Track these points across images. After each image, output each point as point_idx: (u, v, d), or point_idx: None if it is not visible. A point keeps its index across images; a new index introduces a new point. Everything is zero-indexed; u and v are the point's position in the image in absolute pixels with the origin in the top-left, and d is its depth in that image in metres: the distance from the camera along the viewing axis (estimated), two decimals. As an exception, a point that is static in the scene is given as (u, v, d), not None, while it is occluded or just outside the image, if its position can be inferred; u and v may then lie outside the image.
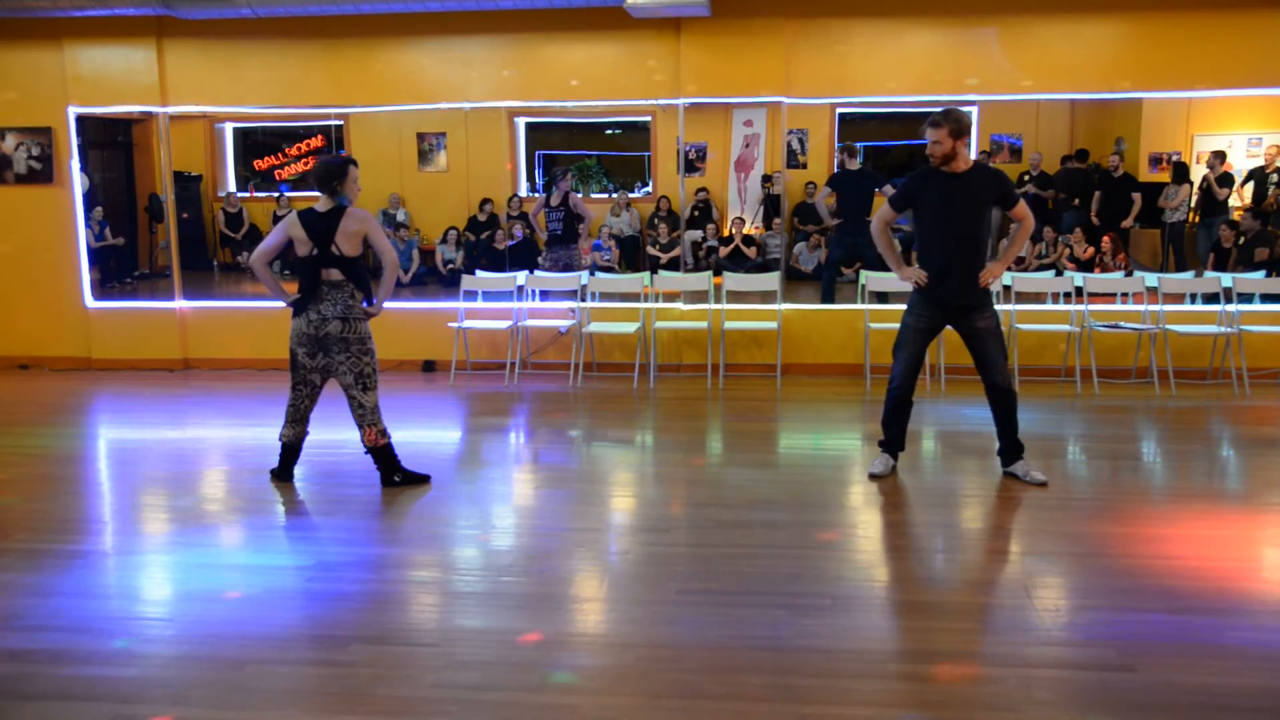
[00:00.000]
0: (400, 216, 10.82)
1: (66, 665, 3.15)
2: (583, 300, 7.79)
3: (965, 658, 3.14)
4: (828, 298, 8.40)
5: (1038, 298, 7.97)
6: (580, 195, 9.63)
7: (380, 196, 10.84)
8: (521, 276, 7.94)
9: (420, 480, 4.99)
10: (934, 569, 3.96)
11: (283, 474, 5.06)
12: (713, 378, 7.62)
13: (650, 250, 10.95)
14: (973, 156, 4.97)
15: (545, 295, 8.18)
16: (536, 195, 12.05)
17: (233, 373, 8.15)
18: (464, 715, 2.84)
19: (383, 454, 4.92)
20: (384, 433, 4.91)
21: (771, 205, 11.03)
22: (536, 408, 6.95)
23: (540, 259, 8.86)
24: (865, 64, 7.62)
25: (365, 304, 4.82)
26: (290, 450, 5.05)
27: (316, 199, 4.79)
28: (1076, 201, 9.76)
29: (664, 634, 3.33)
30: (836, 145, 8.86)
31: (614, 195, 11.97)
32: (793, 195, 10.72)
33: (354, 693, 2.96)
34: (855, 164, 8.59)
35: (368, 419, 4.84)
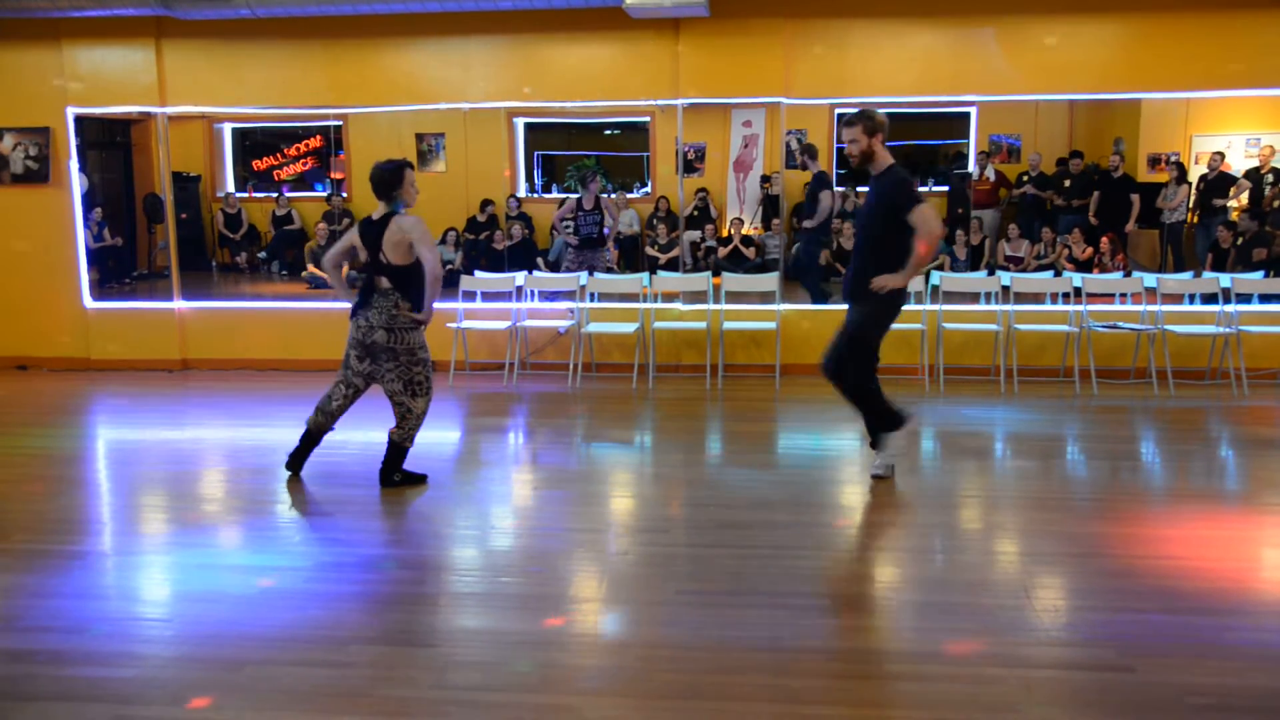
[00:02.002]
0: (399, 217, 10.80)
1: (66, 666, 3.15)
2: (582, 301, 7.80)
3: (965, 658, 3.15)
4: (819, 299, 8.41)
5: (1036, 298, 7.98)
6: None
7: (379, 197, 10.82)
8: (520, 277, 7.94)
9: (418, 480, 4.99)
10: (933, 569, 3.96)
11: (294, 462, 5.07)
12: (712, 378, 7.62)
13: (649, 251, 10.95)
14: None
15: (548, 296, 8.18)
16: (537, 196, 12.05)
17: (231, 373, 8.14)
18: (464, 716, 2.84)
19: (396, 453, 4.92)
20: (411, 440, 4.92)
21: (770, 206, 11.03)
22: (535, 408, 6.95)
23: (567, 261, 8.86)
24: (864, 64, 7.62)
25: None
26: (309, 437, 5.04)
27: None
28: (1071, 201, 9.75)
29: (663, 634, 3.33)
30: (804, 146, 8.96)
31: (613, 196, 11.97)
32: (791, 196, 10.70)
33: (353, 693, 2.96)
34: (817, 166, 8.75)
35: (409, 422, 4.85)
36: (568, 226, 8.53)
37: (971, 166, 10.55)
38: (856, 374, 4.84)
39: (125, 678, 3.07)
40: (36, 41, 8.07)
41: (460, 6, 7.40)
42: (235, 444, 6.07)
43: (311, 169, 12.22)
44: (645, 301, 7.82)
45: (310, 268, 10.33)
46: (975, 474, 5.26)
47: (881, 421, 4.95)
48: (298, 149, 12.22)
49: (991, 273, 8.05)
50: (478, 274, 8.23)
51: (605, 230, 8.51)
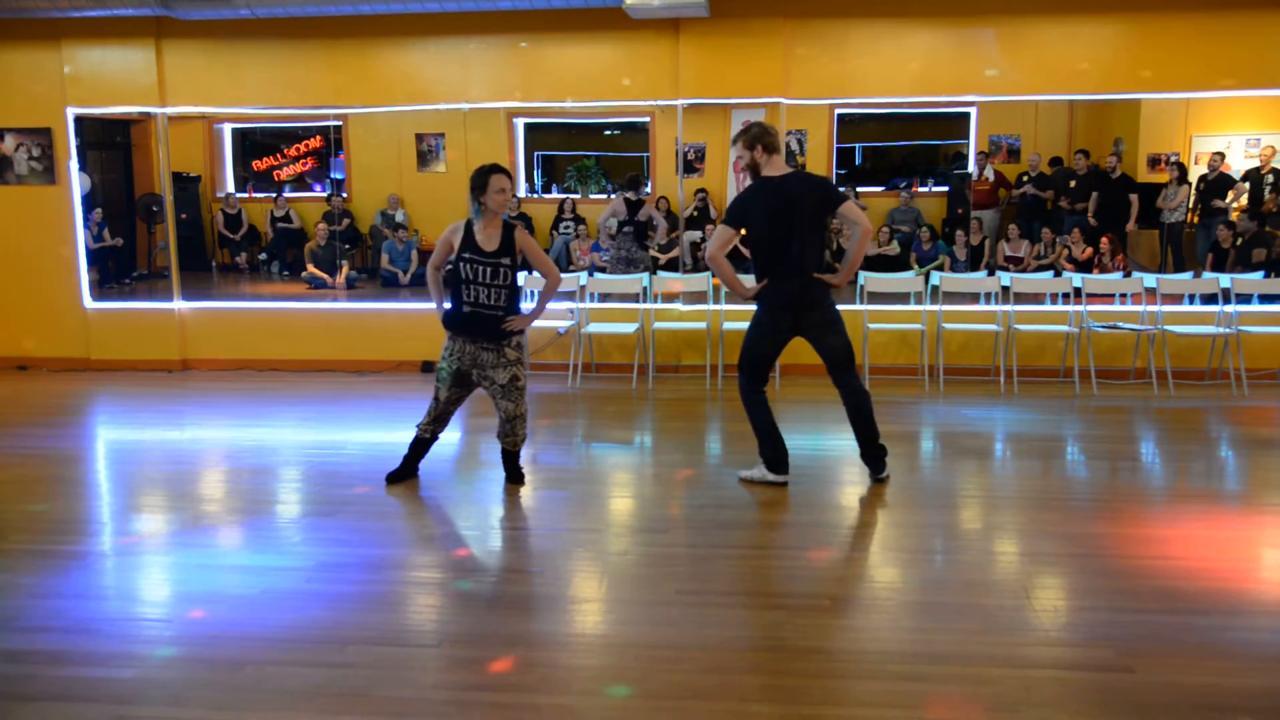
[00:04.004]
0: (399, 217, 10.81)
1: (65, 666, 3.15)
2: (582, 301, 7.79)
3: (964, 658, 3.15)
4: None
5: (1036, 298, 7.98)
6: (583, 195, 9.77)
7: (379, 197, 10.83)
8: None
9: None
10: (933, 569, 3.96)
11: (402, 474, 5.05)
12: (712, 378, 7.62)
13: (649, 251, 10.95)
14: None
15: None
16: (537, 196, 12.05)
17: (231, 373, 8.14)
18: (463, 716, 2.84)
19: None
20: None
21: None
22: (535, 408, 6.94)
23: (607, 259, 8.95)
24: (864, 65, 7.62)
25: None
26: (420, 446, 5.06)
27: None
28: (1065, 202, 9.74)
29: (663, 635, 3.33)
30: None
31: (612, 196, 11.96)
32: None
33: (353, 693, 2.96)
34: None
35: (507, 426, 4.87)
36: (615, 226, 8.60)
37: (971, 167, 10.56)
38: (748, 385, 4.90)
39: (125, 678, 3.07)
40: (36, 41, 8.08)
41: (460, 6, 7.40)
42: (235, 444, 6.07)
43: (311, 169, 12.22)
44: (645, 302, 7.82)
45: (310, 268, 10.33)
46: (975, 474, 5.26)
47: (760, 449, 4.94)
48: (298, 149, 12.21)
49: (991, 273, 8.04)
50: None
51: (647, 232, 8.66)
